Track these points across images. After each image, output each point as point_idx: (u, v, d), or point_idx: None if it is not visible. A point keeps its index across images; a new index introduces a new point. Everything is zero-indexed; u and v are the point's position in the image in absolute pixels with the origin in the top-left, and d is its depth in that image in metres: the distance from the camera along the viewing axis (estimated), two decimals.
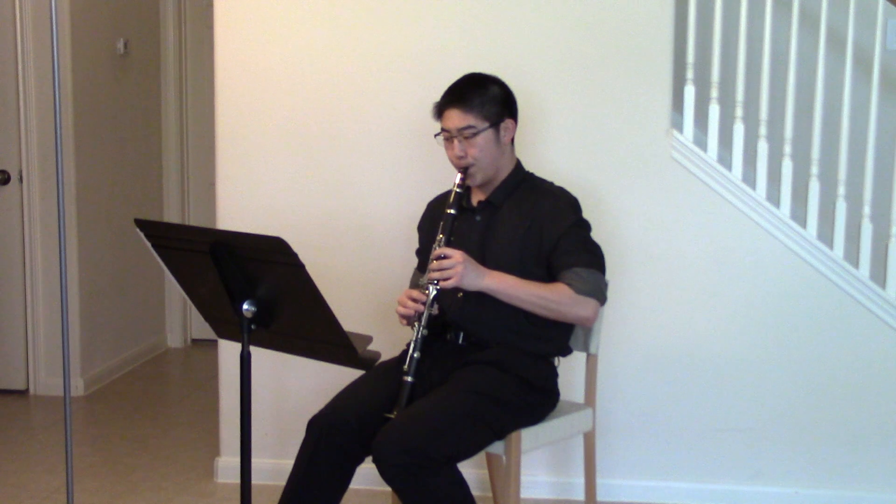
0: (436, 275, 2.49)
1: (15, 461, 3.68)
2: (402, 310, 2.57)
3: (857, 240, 3.19)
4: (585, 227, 2.67)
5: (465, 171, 2.60)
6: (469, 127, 2.57)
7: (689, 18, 3.21)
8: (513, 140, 2.70)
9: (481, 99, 2.58)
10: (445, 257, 2.49)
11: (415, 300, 2.54)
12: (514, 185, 2.69)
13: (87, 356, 4.63)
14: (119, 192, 4.95)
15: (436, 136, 2.65)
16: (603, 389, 3.08)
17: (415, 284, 2.82)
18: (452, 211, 2.58)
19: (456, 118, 2.58)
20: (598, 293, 2.57)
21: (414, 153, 3.26)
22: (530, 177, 2.75)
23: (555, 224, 2.60)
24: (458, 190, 2.60)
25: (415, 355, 2.52)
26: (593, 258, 2.60)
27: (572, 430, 2.76)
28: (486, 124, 2.58)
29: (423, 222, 2.86)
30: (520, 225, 2.62)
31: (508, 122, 2.64)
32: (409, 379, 2.51)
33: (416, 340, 2.53)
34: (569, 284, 2.53)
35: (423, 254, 2.79)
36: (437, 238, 2.57)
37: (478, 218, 2.69)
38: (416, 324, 2.55)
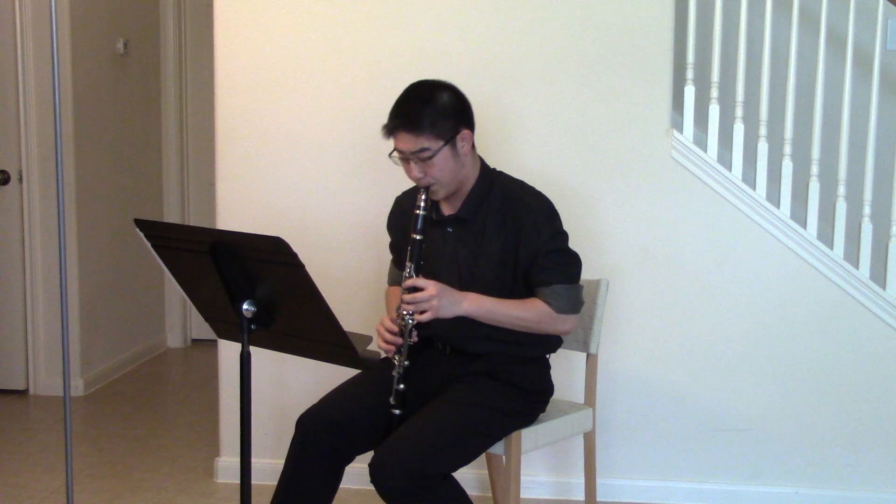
0: (410, 307, 2.40)
1: (15, 461, 3.68)
2: (382, 345, 2.48)
3: (857, 240, 3.19)
4: (563, 238, 2.56)
5: (426, 189, 2.46)
6: (423, 150, 2.40)
7: (689, 18, 3.21)
8: (473, 146, 2.53)
9: (432, 117, 2.39)
10: (418, 289, 2.40)
11: (392, 333, 2.46)
12: (484, 193, 2.54)
13: (87, 356, 4.63)
14: (119, 192, 4.95)
15: (389, 155, 2.49)
16: (603, 389, 3.08)
17: (392, 280, 2.81)
18: (419, 237, 2.43)
19: (408, 141, 2.41)
20: (577, 306, 2.53)
21: None
22: (499, 179, 2.59)
23: (533, 238, 2.49)
24: (422, 213, 2.43)
25: (399, 388, 2.46)
26: (571, 272, 2.52)
27: (572, 430, 2.76)
28: (441, 143, 2.40)
29: (392, 219, 2.76)
30: (497, 240, 2.51)
31: (464, 133, 2.46)
32: (398, 412, 2.46)
33: (399, 374, 2.47)
34: (548, 303, 2.47)
35: (397, 249, 2.74)
36: (407, 266, 2.44)
37: (450, 229, 2.56)
38: (396, 357, 2.47)
